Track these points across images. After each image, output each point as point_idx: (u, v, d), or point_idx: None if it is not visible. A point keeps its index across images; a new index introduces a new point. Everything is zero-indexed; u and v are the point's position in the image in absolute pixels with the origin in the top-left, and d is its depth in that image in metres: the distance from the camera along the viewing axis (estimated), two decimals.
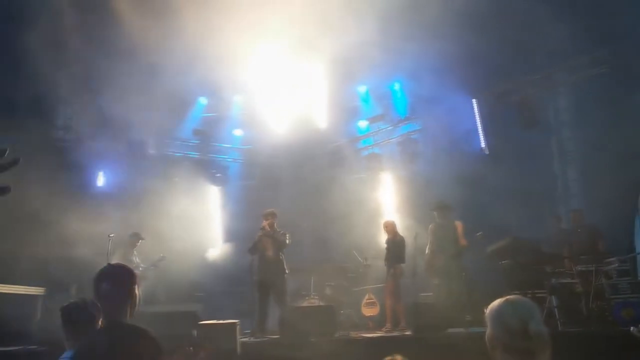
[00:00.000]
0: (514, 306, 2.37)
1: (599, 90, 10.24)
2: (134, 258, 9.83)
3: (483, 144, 11.58)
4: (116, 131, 12.02)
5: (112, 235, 9.19)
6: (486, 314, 2.43)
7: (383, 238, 10.01)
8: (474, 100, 11.73)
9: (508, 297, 2.45)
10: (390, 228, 9.79)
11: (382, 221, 10.30)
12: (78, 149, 12.06)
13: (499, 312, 2.35)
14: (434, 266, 9.23)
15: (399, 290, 9.43)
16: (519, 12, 9.67)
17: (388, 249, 9.65)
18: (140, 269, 9.49)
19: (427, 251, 9.36)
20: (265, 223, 9.19)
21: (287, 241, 9.13)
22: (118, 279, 2.92)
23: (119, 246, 9.74)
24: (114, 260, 9.31)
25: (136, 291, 2.95)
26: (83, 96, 10.87)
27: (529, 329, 2.27)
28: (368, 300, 10.61)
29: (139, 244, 9.97)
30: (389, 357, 2.82)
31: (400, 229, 9.97)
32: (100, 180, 12.21)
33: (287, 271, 9.09)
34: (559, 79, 11.24)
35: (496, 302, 2.43)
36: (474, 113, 11.74)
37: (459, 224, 9.26)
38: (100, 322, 3.34)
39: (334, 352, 7.05)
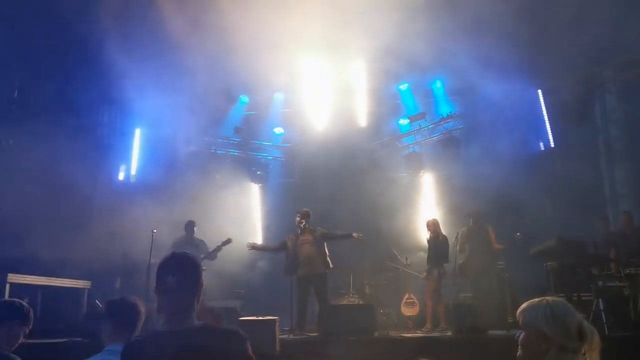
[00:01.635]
0: (565, 306, 2.34)
1: None
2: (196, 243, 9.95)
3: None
4: (159, 129, 12.25)
5: (155, 230, 9.33)
6: (529, 314, 2.37)
7: (424, 237, 9.92)
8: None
9: (547, 297, 2.41)
10: (433, 227, 9.68)
11: (425, 220, 10.21)
12: (121, 145, 12.39)
13: (554, 312, 2.30)
14: (470, 269, 9.38)
15: (440, 291, 9.35)
16: (568, 7, 9.43)
17: (430, 248, 9.56)
18: (202, 256, 9.55)
19: (457, 253, 9.50)
20: (300, 219, 9.23)
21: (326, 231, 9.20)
22: (185, 270, 2.53)
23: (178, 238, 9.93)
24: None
25: (202, 284, 2.58)
26: (126, 93, 11.05)
27: (584, 328, 2.25)
28: (408, 300, 10.54)
29: (196, 229, 10.09)
30: None
31: (443, 229, 9.88)
32: (135, 176, 12.40)
33: (330, 266, 9.08)
34: (607, 77, 10.92)
35: (540, 302, 2.38)
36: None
37: (491, 229, 9.45)
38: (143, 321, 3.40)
39: (372, 352, 7.03)
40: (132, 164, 12.42)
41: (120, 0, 9.90)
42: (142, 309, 3.45)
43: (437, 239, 9.53)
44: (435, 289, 9.31)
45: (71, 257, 9.01)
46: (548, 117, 11.36)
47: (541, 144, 11.35)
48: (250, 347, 2.46)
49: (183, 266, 2.54)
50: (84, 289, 9.79)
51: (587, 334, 2.27)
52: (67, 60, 10.22)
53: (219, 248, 9.62)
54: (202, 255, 9.35)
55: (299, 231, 9.20)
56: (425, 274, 9.67)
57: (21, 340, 3.59)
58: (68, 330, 8.26)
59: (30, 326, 3.68)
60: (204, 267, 9.13)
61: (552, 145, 11.15)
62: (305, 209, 9.46)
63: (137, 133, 12.61)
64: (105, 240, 9.74)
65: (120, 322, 3.35)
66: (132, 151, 12.49)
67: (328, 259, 9.08)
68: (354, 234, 9.15)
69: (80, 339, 7.66)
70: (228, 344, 2.44)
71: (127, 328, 3.31)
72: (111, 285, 9.95)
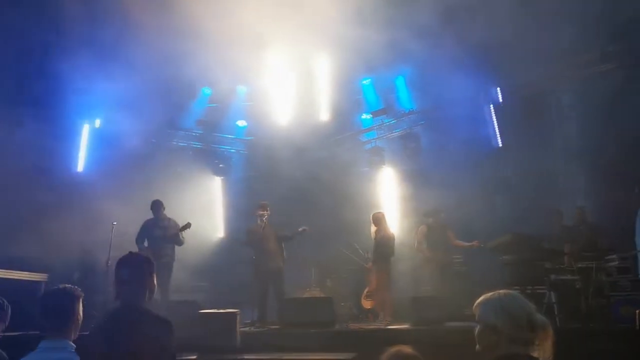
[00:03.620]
0: (515, 298, 2.42)
1: (607, 86, 10.21)
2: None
3: (497, 138, 11.57)
4: (118, 120, 12.06)
5: (115, 223, 9.24)
6: (482, 308, 2.45)
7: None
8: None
9: (500, 291, 2.49)
10: (378, 221, 9.81)
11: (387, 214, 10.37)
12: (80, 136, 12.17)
13: (503, 305, 2.38)
14: (429, 262, 9.82)
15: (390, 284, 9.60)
16: (530, 5, 9.64)
17: (378, 242, 9.67)
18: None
19: (417, 249, 10.03)
20: (263, 212, 9.24)
21: (289, 234, 9.23)
22: (137, 266, 3.06)
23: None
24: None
25: (154, 279, 3.09)
26: (86, 83, 10.85)
27: (535, 320, 2.33)
28: (368, 293, 10.64)
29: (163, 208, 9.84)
30: (396, 348, 2.84)
31: (402, 223, 10.06)
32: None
33: (285, 261, 9.16)
34: (566, 75, 11.18)
35: (492, 296, 2.46)
36: (485, 107, 11.70)
37: (450, 231, 10.00)
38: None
39: (333, 344, 7.10)
40: (89, 155, 12.21)
41: None
42: (79, 300, 3.19)
43: (386, 233, 9.65)
44: (386, 282, 9.44)
45: (28, 250, 8.85)
46: (505, 113, 11.58)
47: (498, 140, 11.57)
48: (173, 341, 2.94)
49: (135, 262, 3.09)
50: (40, 282, 9.63)
51: (537, 325, 2.35)
52: (26, 48, 9.97)
53: (179, 233, 9.40)
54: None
55: (263, 225, 9.22)
56: (370, 263, 9.85)
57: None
58: (24, 323, 8.12)
59: (7, 322, 3.64)
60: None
61: (508, 141, 11.37)
62: (266, 201, 9.50)
63: (97, 123, 12.40)
64: (63, 233, 9.56)
65: (54, 315, 3.15)
66: (90, 142, 12.28)
67: (284, 254, 9.26)
68: (300, 229, 9.24)
69: (37, 332, 7.53)
70: (158, 331, 2.91)
71: (62, 321, 3.12)
72: (69, 278, 9.77)
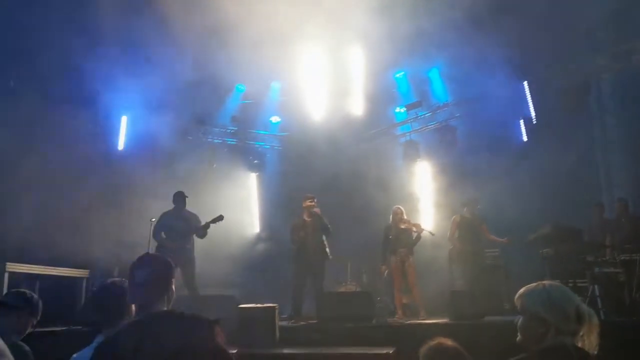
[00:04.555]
0: (561, 290, 2.39)
1: None
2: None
3: (533, 130, 11.43)
4: (154, 116, 12.26)
5: (153, 219, 9.33)
6: (527, 299, 2.42)
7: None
8: (525, 84, 11.50)
9: (544, 282, 2.45)
10: (401, 215, 9.48)
11: (423, 208, 10.25)
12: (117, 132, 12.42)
13: (550, 295, 2.35)
14: (458, 256, 9.70)
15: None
16: None
17: (399, 235, 9.37)
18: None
19: (448, 240, 9.86)
20: (311, 203, 9.16)
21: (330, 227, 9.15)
22: (157, 268, 2.73)
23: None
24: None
25: (173, 284, 2.75)
26: (124, 80, 11.05)
27: (582, 311, 2.30)
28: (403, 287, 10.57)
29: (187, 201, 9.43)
30: (437, 341, 2.83)
31: (436, 218, 9.95)
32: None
33: (330, 256, 9.09)
34: (604, 65, 10.94)
35: (537, 287, 2.43)
36: (524, 98, 11.51)
37: (484, 222, 9.86)
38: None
39: (371, 338, 7.09)
40: (126, 150, 12.46)
41: None
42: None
43: (409, 228, 9.40)
44: (415, 277, 9.27)
45: (70, 246, 9.05)
46: (543, 105, 11.39)
47: (534, 132, 11.39)
48: (219, 334, 2.38)
49: (152, 263, 2.74)
50: (82, 277, 9.86)
51: (585, 317, 2.32)
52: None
53: (208, 224, 9.02)
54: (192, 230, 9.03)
55: (308, 217, 9.13)
56: (384, 261, 9.55)
57: (29, 330, 3.62)
58: (67, 319, 8.34)
59: (39, 317, 3.71)
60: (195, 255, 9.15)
61: (545, 133, 11.17)
62: (312, 194, 9.41)
63: (125, 120, 12.67)
64: (103, 229, 9.77)
65: (105, 310, 3.11)
66: (128, 138, 12.52)
67: (327, 249, 9.12)
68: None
69: (79, 327, 7.74)
70: (193, 330, 2.39)
71: (113, 315, 3.06)
72: (110, 274, 9.98)
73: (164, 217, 9.18)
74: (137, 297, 2.67)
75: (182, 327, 2.36)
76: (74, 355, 3.05)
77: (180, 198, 9.28)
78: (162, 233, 9.07)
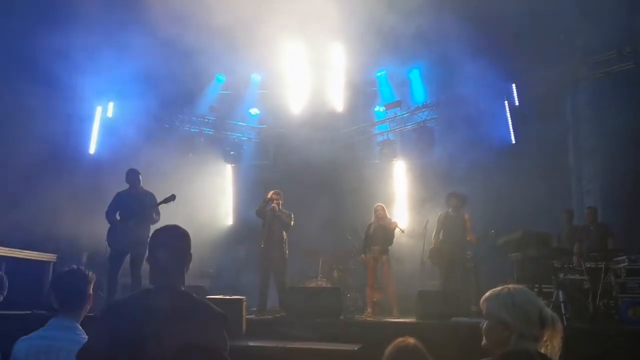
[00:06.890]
0: (526, 294, 2.40)
1: (621, 87, 10.13)
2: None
3: (510, 135, 11.55)
4: (131, 103, 12.12)
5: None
6: (491, 303, 2.43)
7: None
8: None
9: (509, 286, 2.46)
10: (383, 212, 9.53)
11: (398, 206, 10.20)
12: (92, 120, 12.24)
13: (515, 300, 2.36)
14: (439, 255, 9.44)
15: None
16: (549, 3, 9.57)
17: (378, 233, 9.41)
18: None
19: (432, 239, 9.58)
20: (274, 196, 9.11)
21: (292, 222, 9.10)
22: (179, 241, 2.62)
23: None
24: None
25: (190, 252, 2.65)
26: (100, 67, 10.89)
27: (546, 315, 2.31)
28: (375, 285, 10.61)
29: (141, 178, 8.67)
30: (401, 339, 2.83)
31: (411, 217, 9.95)
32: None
33: (287, 252, 9.07)
34: (581, 74, 11.10)
35: (502, 291, 2.43)
36: (502, 103, 11.63)
37: (467, 217, 9.44)
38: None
39: (338, 334, 7.11)
40: (101, 138, 12.28)
41: None
42: (91, 282, 3.18)
43: (388, 225, 9.45)
44: (389, 274, 9.32)
45: (38, 231, 8.92)
46: (520, 111, 11.51)
47: (512, 138, 11.53)
48: (226, 340, 2.44)
49: (171, 243, 2.60)
50: (49, 262, 9.73)
51: (548, 321, 2.32)
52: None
53: (159, 204, 8.09)
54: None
55: (274, 211, 9.09)
56: (364, 255, 9.53)
57: None
58: (31, 302, 8.21)
59: (5, 294, 3.66)
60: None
61: (522, 139, 11.32)
62: (278, 190, 9.38)
63: (110, 107, 12.46)
64: (72, 214, 9.62)
65: (65, 297, 3.12)
66: (103, 125, 12.34)
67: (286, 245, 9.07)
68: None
69: (44, 311, 7.62)
70: (207, 315, 2.47)
71: (73, 301, 3.11)
72: (77, 259, 9.84)
73: (118, 196, 8.46)
74: (160, 280, 2.55)
75: (192, 326, 2.38)
76: (22, 338, 3.04)
77: (132, 176, 8.45)
78: (117, 214, 8.37)
